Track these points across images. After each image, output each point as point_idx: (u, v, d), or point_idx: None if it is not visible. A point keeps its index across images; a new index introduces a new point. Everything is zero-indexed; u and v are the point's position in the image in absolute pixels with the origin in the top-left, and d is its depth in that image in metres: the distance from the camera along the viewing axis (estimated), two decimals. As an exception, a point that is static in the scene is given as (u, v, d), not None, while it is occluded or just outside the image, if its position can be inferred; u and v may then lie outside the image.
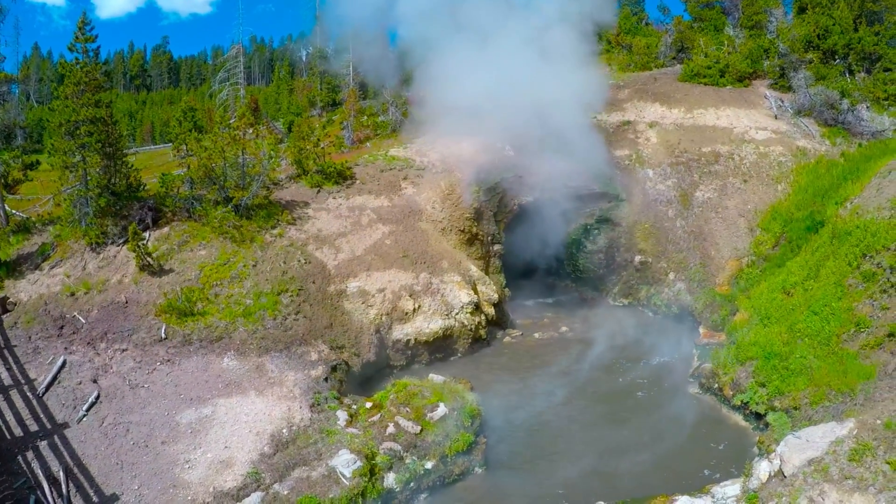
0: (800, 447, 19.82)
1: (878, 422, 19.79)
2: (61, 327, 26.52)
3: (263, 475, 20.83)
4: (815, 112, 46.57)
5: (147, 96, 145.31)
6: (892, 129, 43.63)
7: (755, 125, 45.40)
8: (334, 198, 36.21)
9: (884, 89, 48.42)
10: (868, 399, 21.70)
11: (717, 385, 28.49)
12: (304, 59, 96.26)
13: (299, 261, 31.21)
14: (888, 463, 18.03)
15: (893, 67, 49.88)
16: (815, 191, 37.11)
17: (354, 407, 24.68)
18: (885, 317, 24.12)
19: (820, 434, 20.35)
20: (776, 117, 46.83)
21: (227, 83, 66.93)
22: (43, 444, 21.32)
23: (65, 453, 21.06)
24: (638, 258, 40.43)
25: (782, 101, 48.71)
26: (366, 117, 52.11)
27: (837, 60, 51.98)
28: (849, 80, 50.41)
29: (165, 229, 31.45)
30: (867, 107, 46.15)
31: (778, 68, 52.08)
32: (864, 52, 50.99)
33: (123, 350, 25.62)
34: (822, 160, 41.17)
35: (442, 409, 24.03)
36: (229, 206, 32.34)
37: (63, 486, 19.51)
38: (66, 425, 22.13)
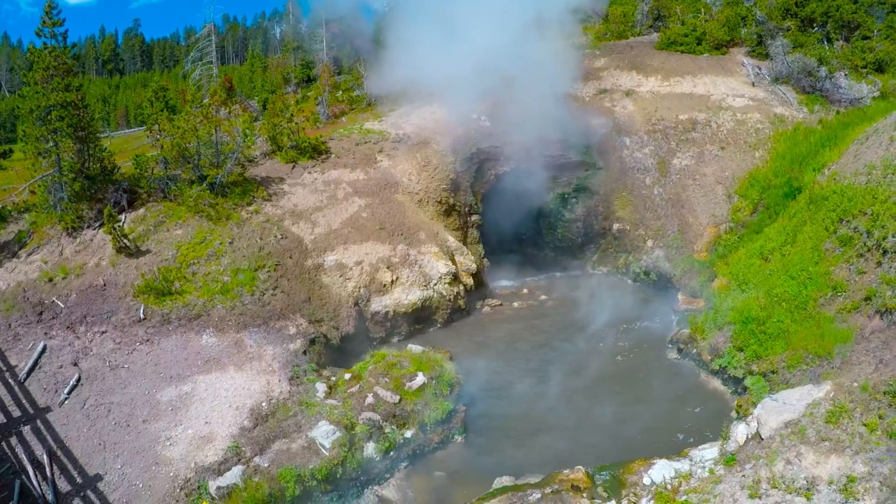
0: (777, 410, 20.03)
1: (855, 384, 20.03)
2: (40, 313, 26.42)
3: (244, 449, 20.98)
4: (793, 79, 46.61)
5: (120, 80, 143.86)
6: (871, 97, 43.67)
7: (732, 92, 45.39)
8: (309, 172, 36.06)
9: (862, 57, 48.60)
10: (845, 362, 21.92)
11: (695, 350, 28.73)
12: (277, 36, 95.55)
13: (276, 236, 31.15)
14: (865, 425, 18.25)
15: (872, 35, 50.07)
16: (792, 157, 37.17)
17: (333, 379, 24.84)
18: (861, 281, 24.30)
19: (797, 397, 20.58)
20: (753, 85, 46.85)
21: (200, 63, 66.16)
22: (26, 429, 21.39)
23: (48, 437, 21.14)
24: (616, 226, 40.56)
25: (760, 69, 48.69)
26: (341, 92, 51.79)
27: (815, 28, 52.05)
28: (827, 47, 50.49)
29: (141, 211, 31.27)
30: (845, 75, 46.19)
31: (755, 36, 51.90)
32: (843, 20, 51.13)
33: (103, 332, 25.58)
34: (800, 127, 41.25)
35: (420, 379, 24.20)
36: (204, 185, 32.17)
37: (47, 470, 19.60)
38: (48, 409, 22.17)
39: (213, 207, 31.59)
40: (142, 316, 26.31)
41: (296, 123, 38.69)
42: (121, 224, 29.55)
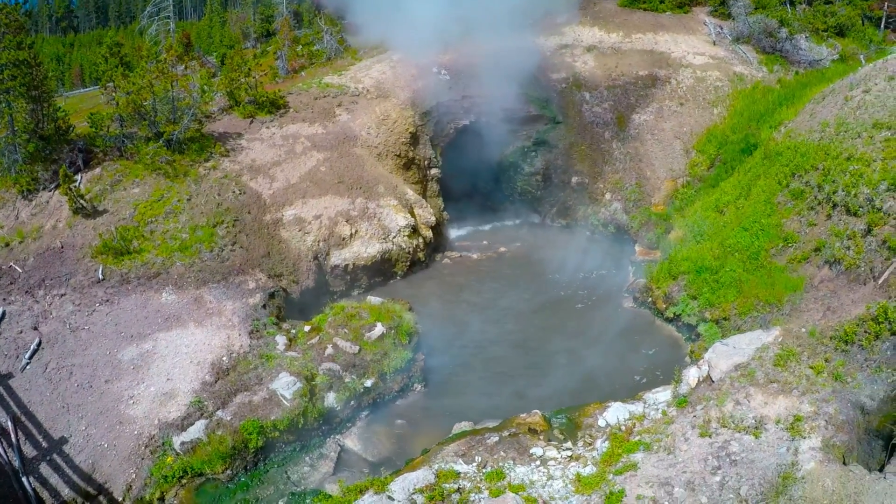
0: (727, 354, 20.61)
1: (803, 330, 20.69)
2: (-2, 279, 26.22)
3: (206, 403, 21.25)
4: (754, 40, 47.04)
5: (75, 38, 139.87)
6: (830, 60, 44.26)
7: (693, 50, 45.61)
8: (268, 127, 35.83)
9: (823, 21, 49.15)
10: (794, 309, 22.68)
11: (650, 299, 29.36)
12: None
13: (234, 192, 31.05)
14: (812, 368, 18.92)
15: (834, 0, 50.38)
16: (750, 115, 37.76)
17: (293, 331, 25.06)
18: (812, 232, 25.03)
19: (747, 341, 21.19)
20: (715, 43, 47.08)
21: (157, 18, 64.99)
22: (-12, 398, 21.34)
23: (11, 403, 21.11)
24: (575, 179, 40.83)
25: (721, 28, 48.87)
26: (301, 46, 51.17)
27: (778, -11, 52.27)
28: (789, 10, 50.85)
29: (97, 170, 30.90)
30: (806, 37, 46.66)
31: (718, -5, 52.05)
32: (807, -17, 51.37)
33: (62, 295, 25.45)
34: (759, 86, 41.73)
35: (379, 329, 24.46)
36: (161, 142, 31.85)
37: (12, 436, 19.57)
38: (10, 375, 22.10)
39: (171, 164, 31.33)
40: (101, 277, 26.22)
41: (254, 78, 38.30)
42: (77, 185, 29.20)
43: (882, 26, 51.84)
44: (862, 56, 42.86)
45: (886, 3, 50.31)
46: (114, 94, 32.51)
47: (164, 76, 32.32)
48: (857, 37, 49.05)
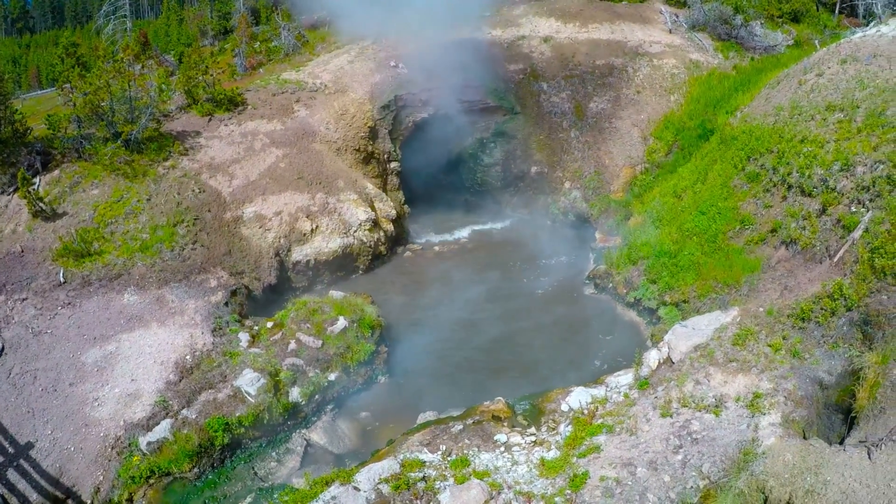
0: (686, 335, 21.07)
1: (761, 309, 21.21)
2: (-43, 285, 25.99)
3: (171, 402, 21.36)
4: (710, 27, 47.46)
5: (31, 39, 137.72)
6: (785, 45, 44.92)
7: (650, 39, 46.00)
8: (226, 125, 35.68)
9: (778, 7, 49.74)
10: (752, 290, 23.22)
11: (611, 284, 29.82)
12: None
13: (193, 190, 30.96)
14: (770, 346, 19.46)
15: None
16: (706, 101, 38.14)
17: (256, 328, 25.17)
18: (767, 214, 25.59)
19: (706, 322, 21.67)
20: (671, 32, 47.48)
21: (114, 17, 64.31)
22: (-48, 406, 21.19)
23: (-25, 410, 21.00)
24: (534, 169, 41.18)
25: (677, 17, 49.32)
26: (258, 43, 50.94)
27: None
28: (744, -3, 51.57)
29: (56, 172, 30.61)
30: (761, 23, 47.30)
31: (674, -17, 52.52)
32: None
33: (24, 299, 25.23)
34: (715, 73, 42.16)
35: (342, 323, 24.67)
36: (119, 142, 31.65)
37: (-21, 443, 19.52)
38: (-27, 382, 21.95)
39: (129, 164, 31.17)
40: (62, 279, 26.09)
41: (211, 76, 38.14)
42: (35, 187, 28.94)
43: (836, 11, 52.87)
44: (816, 41, 43.47)
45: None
46: (71, 94, 32.22)
47: (121, 76, 32.04)
48: (811, 22, 49.88)
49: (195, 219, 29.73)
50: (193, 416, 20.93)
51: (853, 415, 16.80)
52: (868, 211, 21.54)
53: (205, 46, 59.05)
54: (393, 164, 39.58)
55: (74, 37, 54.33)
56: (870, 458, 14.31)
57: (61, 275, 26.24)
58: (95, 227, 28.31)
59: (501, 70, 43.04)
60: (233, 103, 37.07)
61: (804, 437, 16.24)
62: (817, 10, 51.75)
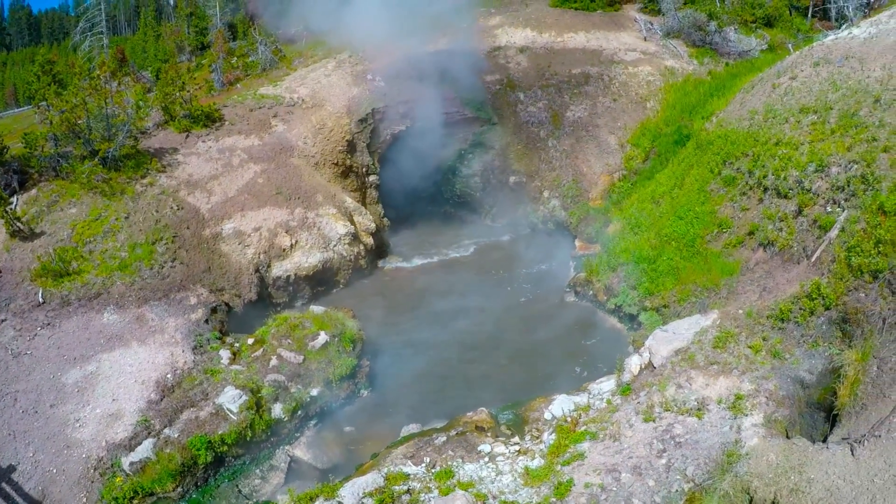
0: (667, 339, 21.13)
1: (741, 311, 21.33)
2: (-65, 307, 25.70)
3: (153, 421, 21.17)
4: (684, 34, 48.04)
5: (7, 56, 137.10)
6: (759, 50, 45.57)
7: (625, 47, 46.41)
8: (204, 141, 35.55)
9: (752, 13, 50.58)
10: (731, 292, 23.34)
11: (591, 292, 29.90)
12: (171, 2, 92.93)
13: (172, 208, 30.81)
14: (750, 347, 19.57)
15: (761, -8, 51.80)
16: (682, 107, 38.61)
17: (237, 345, 25.03)
18: (744, 217, 25.80)
19: (686, 326, 21.74)
20: (646, 39, 47.98)
21: (90, 34, 64.13)
22: (-70, 431, 20.91)
23: (-44, 434, 20.74)
24: (513, 179, 41.31)
25: (652, 24, 49.85)
26: (235, 58, 50.90)
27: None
28: (718, 3, 52.17)
29: (33, 191, 30.37)
30: (735, 29, 47.94)
31: (648, -9, 53.08)
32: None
33: (2, 321, 24.92)
34: (690, 79, 42.67)
35: (323, 338, 24.59)
36: (96, 160, 31.40)
37: (-40, 468, 19.28)
38: (-47, 405, 21.70)
39: (107, 182, 30.99)
40: (41, 300, 25.83)
41: (188, 92, 38.05)
42: (13, 207, 28.69)
43: (809, 15, 53.52)
44: (790, 45, 44.12)
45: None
46: (47, 112, 32.09)
47: (98, 93, 31.88)
48: (784, 27, 50.63)
49: (174, 236, 29.57)
50: (176, 435, 20.78)
51: (835, 412, 16.92)
52: (843, 210, 21.74)
53: (182, 62, 58.93)
54: (372, 178, 39.62)
55: (51, 54, 54.05)
56: (853, 454, 14.40)
57: (40, 295, 25.99)
58: (74, 246, 28.08)
59: (479, 81, 43.25)
60: (210, 119, 36.96)
61: (787, 437, 16.31)
62: (790, 14, 52.47)
